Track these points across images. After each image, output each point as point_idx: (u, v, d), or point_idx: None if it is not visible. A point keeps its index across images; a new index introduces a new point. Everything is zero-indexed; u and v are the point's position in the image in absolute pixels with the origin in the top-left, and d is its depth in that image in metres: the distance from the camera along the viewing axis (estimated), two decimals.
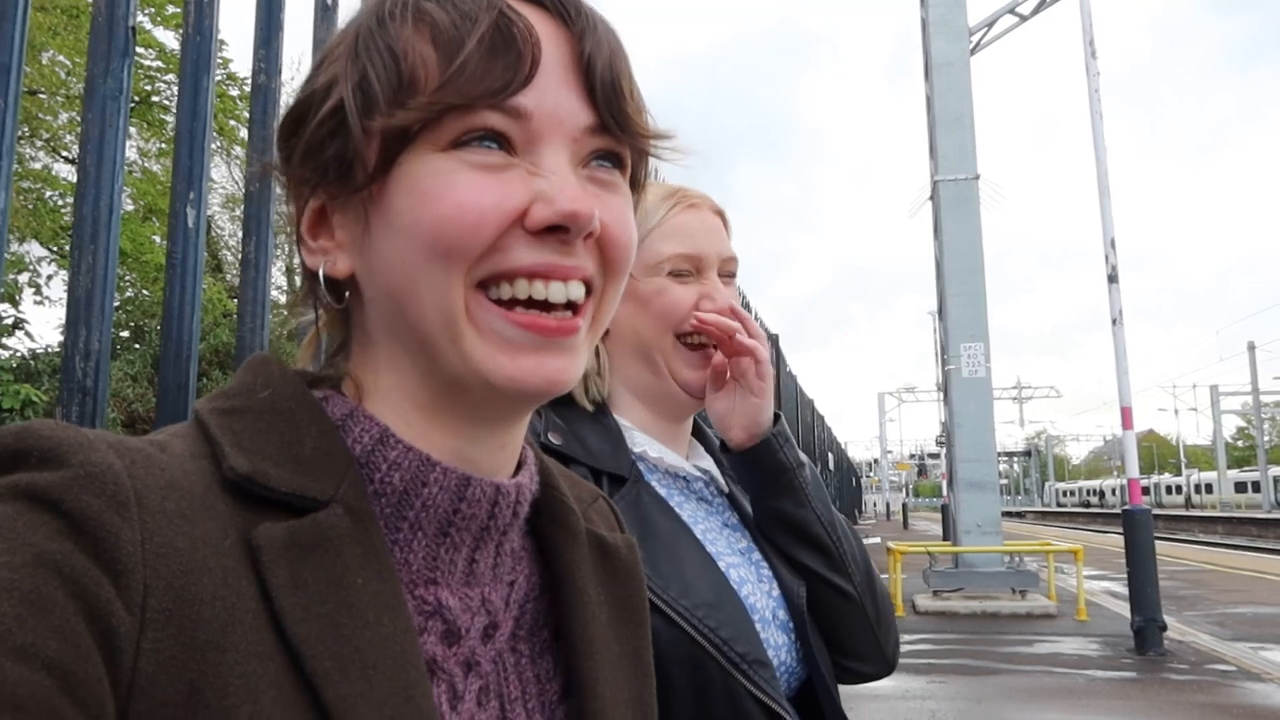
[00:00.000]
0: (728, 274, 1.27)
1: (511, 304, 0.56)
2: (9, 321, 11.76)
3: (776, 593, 1.16)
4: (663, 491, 1.16)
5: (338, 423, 0.58)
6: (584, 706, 0.62)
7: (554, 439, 1.10)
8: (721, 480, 1.28)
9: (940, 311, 12.37)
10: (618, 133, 0.59)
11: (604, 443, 1.15)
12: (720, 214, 1.30)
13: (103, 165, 1.16)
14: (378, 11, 0.58)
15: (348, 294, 0.62)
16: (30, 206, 12.03)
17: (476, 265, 0.55)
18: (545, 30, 0.57)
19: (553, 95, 0.56)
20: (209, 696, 0.43)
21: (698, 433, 1.35)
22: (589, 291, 0.59)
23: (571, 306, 0.58)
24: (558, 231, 0.56)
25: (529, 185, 0.56)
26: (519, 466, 0.65)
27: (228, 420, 0.54)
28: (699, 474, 1.25)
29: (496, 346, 0.56)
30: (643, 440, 1.20)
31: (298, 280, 0.67)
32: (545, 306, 0.57)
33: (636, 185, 0.66)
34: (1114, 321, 9.82)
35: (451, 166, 0.55)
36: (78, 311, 1.13)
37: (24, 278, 12.27)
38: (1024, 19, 13.72)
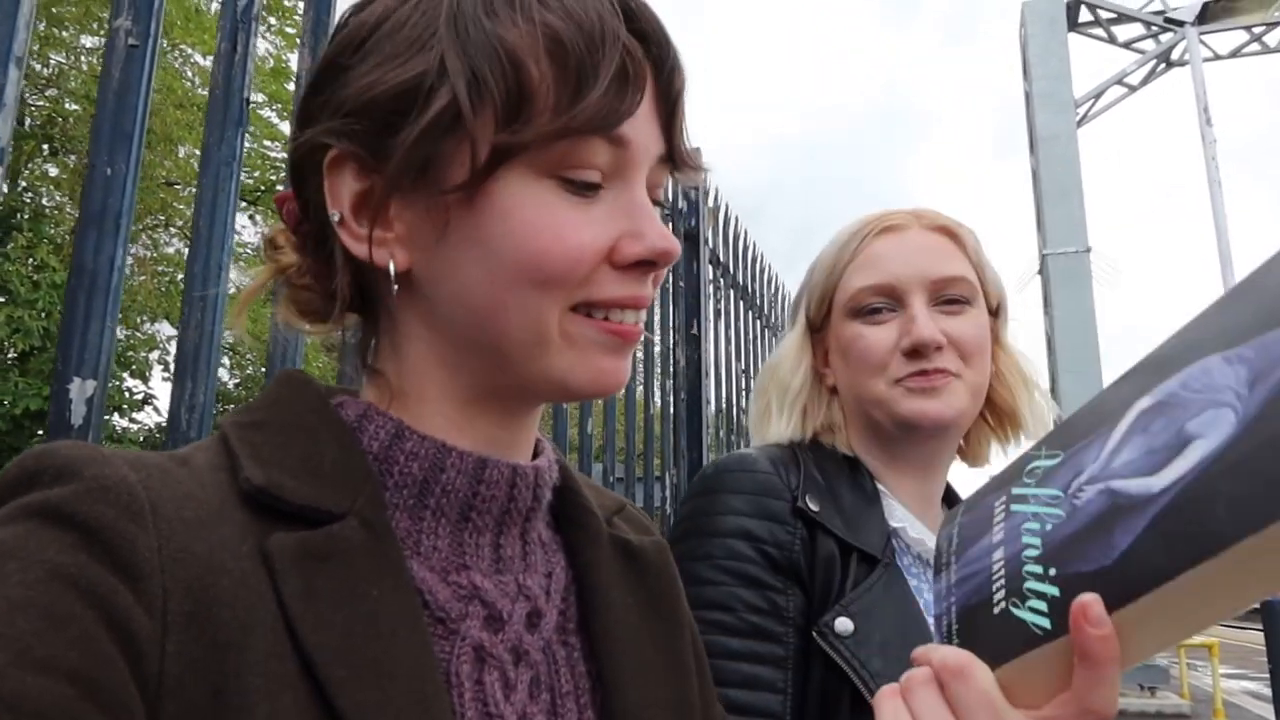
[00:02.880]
0: (949, 299, 1.07)
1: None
2: (139, 396, 12.45)
3: None
4: (912, 582, 1.03)
5: (353, 424, 0.58)
6: (608, 706, 0.60)
7: (811, 504, 1.01)
8: None
9: (1053, 390, 11.90)
10: (681, 167, 0.61)
11: (858, 508, 1.05)
12: (945, 229, 1.10)
13: (214, 227, 1.21)
14: (487, 4, 0.54)
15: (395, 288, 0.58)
16: (163, 289, 12.82)
17: (573, 293, 0.56)
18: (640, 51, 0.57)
19: (643, 126, 0.57)
20: (231, 696, 0.43)
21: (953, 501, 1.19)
22: None
23: None
24: (644, 265, 0.57)
25: (615, 220, 0.57)
26: (537, 454, 0.64)
27: (248, 433, 0.54)
28: None
29: (585, 354, 0.57)
30: (901, 514, 1.07)
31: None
32: None
33: None
34: None
35: (553, 198, 0.55)
36: (185, 365, 1.18)
37: (154, 355, 13.02)
38: (1133, 89, 13.44)
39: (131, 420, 12.90)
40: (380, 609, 0.50)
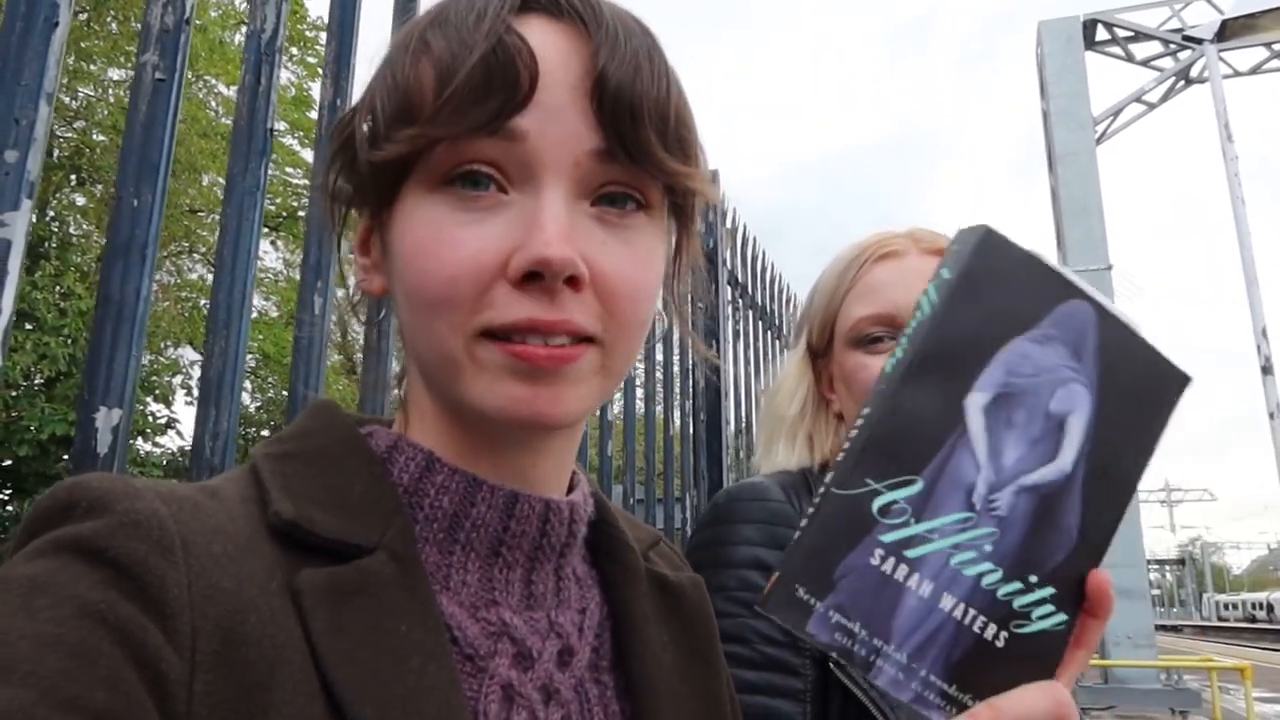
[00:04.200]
0: None
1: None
2: (162, 421, 12.55)
3: None
4: None
5: (382, 455, 0.58)
6: None
7: None
8: None
9: None
10: (628, 162, 0.53)
11: None
12: (943, 252, 1.12)
13: (238, 255, 1.23)
14: (397, 41, 0.58)
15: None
16: (186, 314, 12.95)
17: (472, 317, 0.52)
18: (560, 45, 0.53)
19: (555, 114, 0.52)
20: None
21: None
22: (591, 340, 0.54)
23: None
24: (537, 279, 0.51)
25: (511, 231, 0.52)
26: (573, 489, 0.63)
27: (279, 465, 0.54)
28: None
29: (495, 380, 0.53)
30: None
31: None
32: None
33: (684, 220, 0.62)
34: (1271, 416, 9.19)
35: (437, 214, 0.53)
36: (209, 393, 1.19)
37: (177, 380, 13.14)
38: (1152, 107, 13.37)
39: (155, 444, 12.99)
40: (409, 645, 0.49)
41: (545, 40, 0.53)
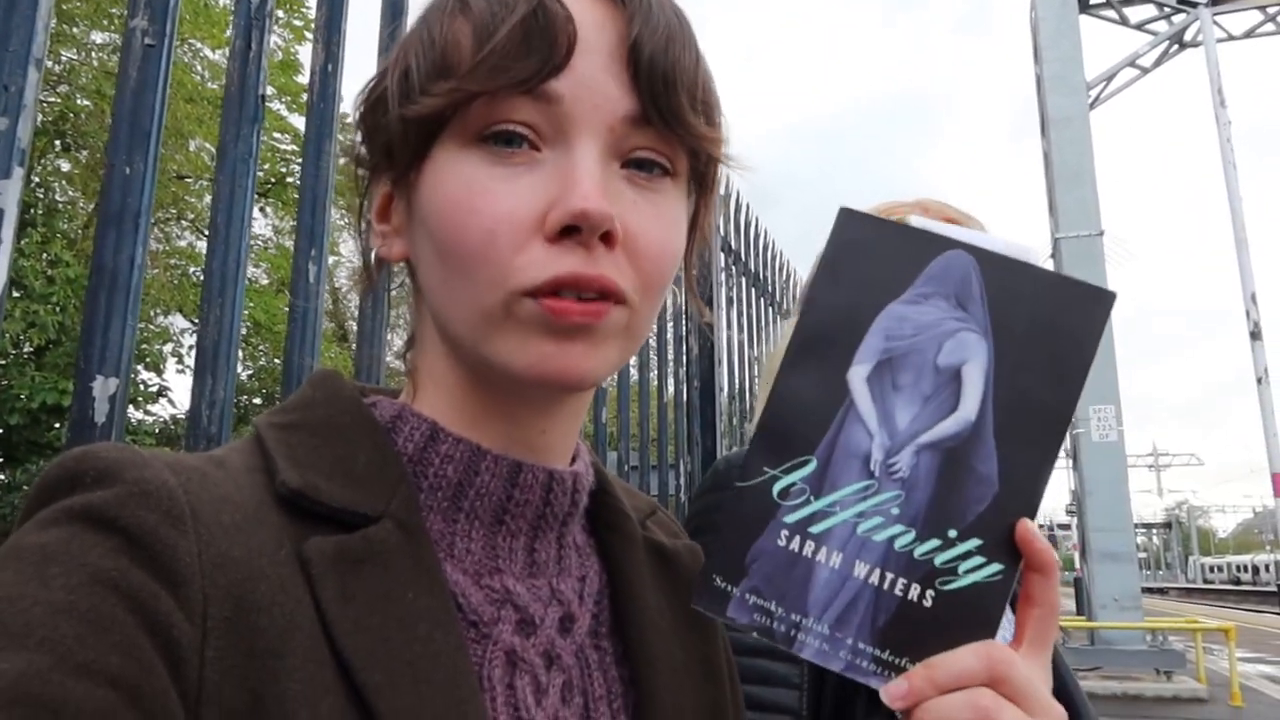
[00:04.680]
0: None
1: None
2: (154, 389, 12.52)
3: None
4: None
5: (386, 424, 0.58)
6: (641, 709, 0.60)
7: None
8: None
9: None
10: (661, 126, 0.54)
11: None
12: (951, 221, 1.10)
13: (231, 223, 1.22)
14: (433, 3, 0.58)
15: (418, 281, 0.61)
16: (175, 282, 12.87)
17: (510, 275, 0.52)
18: (594, 14, 0.54)
19: (590, 80, 0.53)
20: (270, 702, 0.43)
21: None
22: (621, 301, 0.54)
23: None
24: (574, 233, 0.52)
25: (547, 187, 0.52)
26: (575, 460, 0.64)
27: (284, 435, 0.55)
28: None
29: (524, 335, 0.53)
30: None
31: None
32: None
33: (704, 190, 0.63)
34: (1259, 381, 9.27)
35: (471, 169, 0.53)
36: (205, 362, 1.19)
37: (168, 348, 13.08)
38: (1146, 71, 13.31)
39: (146, 412, 12.97)
40: (416, 612, 0.50)
41: (581, 8, 0.54)
